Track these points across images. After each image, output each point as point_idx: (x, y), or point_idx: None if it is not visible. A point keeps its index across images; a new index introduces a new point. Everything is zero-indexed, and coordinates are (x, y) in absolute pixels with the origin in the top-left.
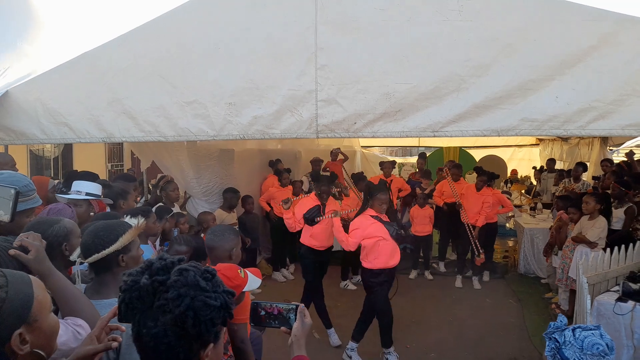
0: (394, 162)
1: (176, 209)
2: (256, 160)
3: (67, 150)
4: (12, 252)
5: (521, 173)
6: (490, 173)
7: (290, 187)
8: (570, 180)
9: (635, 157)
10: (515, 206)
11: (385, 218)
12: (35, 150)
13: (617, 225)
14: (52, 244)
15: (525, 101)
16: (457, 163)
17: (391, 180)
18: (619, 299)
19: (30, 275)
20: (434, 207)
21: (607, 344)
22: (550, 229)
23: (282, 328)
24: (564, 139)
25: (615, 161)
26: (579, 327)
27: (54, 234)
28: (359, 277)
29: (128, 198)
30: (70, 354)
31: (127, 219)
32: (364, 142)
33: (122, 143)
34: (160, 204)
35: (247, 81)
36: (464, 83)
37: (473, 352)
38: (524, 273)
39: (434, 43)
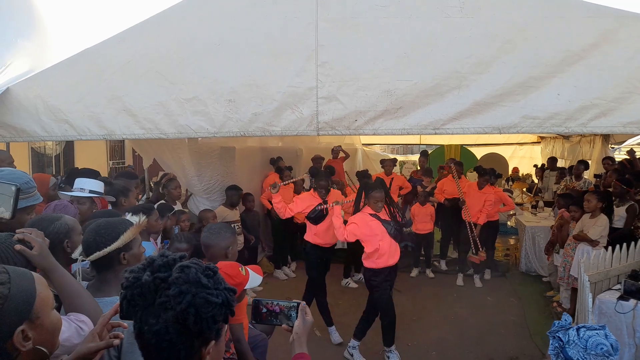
0: (395, 160)
1: (178, 206)
2: (257, 158)
3: (68, 147)
4: (17, 247)
5: (522, 171)
6: (490, 170)
7: (291, 184)
8: (571, 178)
9: (637, 155)
10: (517, 204)
11: (384, 216)
12: (37, 147)
13: (619, 223)
14: (54, 241)
15: (526, 98)
16: (458, 161)
17: (392, 179)
18: (621, 298)
19: (33, 272)
20: (435, 205)
21: (611, 345)
22: (551, 227)
23: (284, 326)
24: (566, 137)
25: (617, 159)
26: (583, 326)
27: (55, 231)
28: (360, 276)
29: (129, 195)
30: (73, 350)
31: (129, 217)
32: (365, 139)
33: (123, 141)
34: (162, 201)
35: (247, 78)
36: (465, 80)
37: (474, 350)
38: (525, 271)
39: (434, 40)
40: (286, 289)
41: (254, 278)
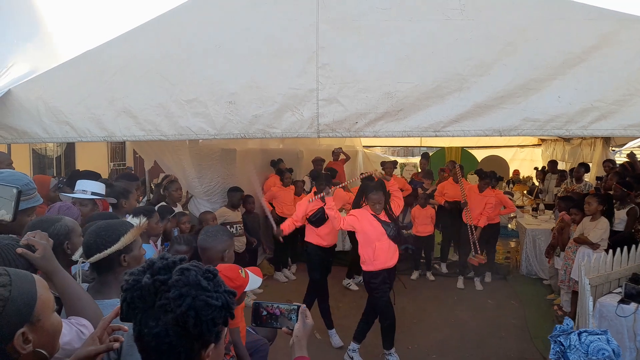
0: (395, 162)
1: (179, 208)
2: (258, 160)
3: (69, 149)
4: (19, 250)
5: (523, 174)
6: (491, 173)
7: (292, 187)
8: (572, 180)
9: (638, 158)
10: (518, 207)
11: (384, 218)
12: (38, 149)
13: (620, 226)
14: (54, 243)
15: (527, 101)
16: (457, 164)
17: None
18: (622, 301)
19: (34, 275)
20: (436, 207)
21: (613, 350)
22: (552, 230)
23: (284, 329)
24: (566, 140)
25: (617, 162)
26: (585, 331)
27: (55, 232)
28: (360, 278)
29: (130, 197)
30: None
31: (129, 219)
32: (365, 142)
33: (124, 142)
34: (163, 203)
35: (248, 79)
36: (466, 82)
37: (474, 353)
38: (526, 274)
39: (435, 42)
40: (286, 292)
41: (253, 280)
